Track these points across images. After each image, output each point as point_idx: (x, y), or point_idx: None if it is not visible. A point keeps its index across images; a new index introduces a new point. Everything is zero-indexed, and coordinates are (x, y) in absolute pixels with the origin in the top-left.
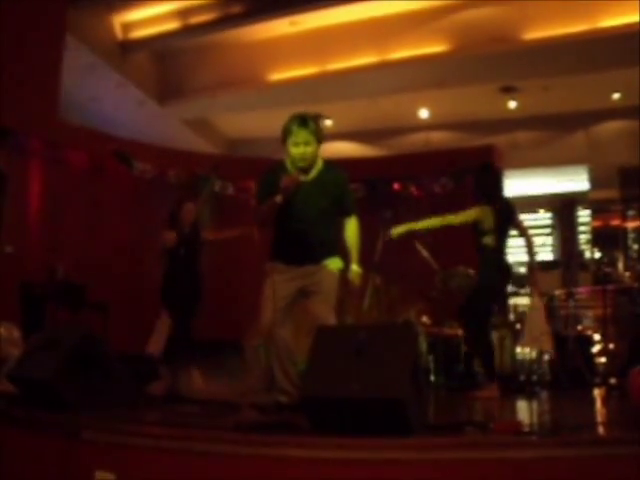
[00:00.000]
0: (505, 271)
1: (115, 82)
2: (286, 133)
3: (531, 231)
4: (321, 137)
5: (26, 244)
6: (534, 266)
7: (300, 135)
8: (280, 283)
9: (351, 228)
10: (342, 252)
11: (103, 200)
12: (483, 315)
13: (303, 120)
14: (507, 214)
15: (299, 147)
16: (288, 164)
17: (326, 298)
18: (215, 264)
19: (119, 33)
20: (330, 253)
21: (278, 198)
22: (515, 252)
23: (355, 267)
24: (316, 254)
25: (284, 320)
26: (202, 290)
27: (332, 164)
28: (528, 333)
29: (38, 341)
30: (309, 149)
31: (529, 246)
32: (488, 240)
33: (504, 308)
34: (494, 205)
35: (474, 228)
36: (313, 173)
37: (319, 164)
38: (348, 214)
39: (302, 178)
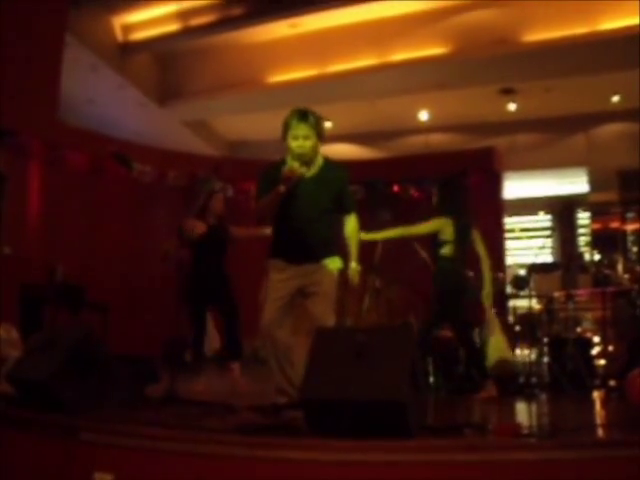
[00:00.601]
0: (461, 282)
1: (115, 84)
2: (286, 127)
3: (531, 233)
4: (321, 132)
5: (25, 245)
6: (491, 286)
7: (299, 128)
8: (279, 282)
9: (351, 226)
10: (342, 250)
11: (103, 201)
12: (458, 321)
13: (303, 114)
14: (467, 230)
15: (298, 140)
16: (289, 160)
17: (325, 299)
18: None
19: (119, 35)
20: (330, 252)
21: (281, 188)
22: (515, 254)
23: (354, 265)
24: (316, 252)
25: (282, 320)
26: (231, 287)
27: (333, 161)
28: (492, 346)
29: (37, 342)
30: (308, 143)
31: (486, 266)
32: (445, 251)
33: (504, 311)
34: (456, 218)
35: (433, 239)
36: (313, 170)
37: (320, 161)
38: (348, 212)
39: (303, 170)
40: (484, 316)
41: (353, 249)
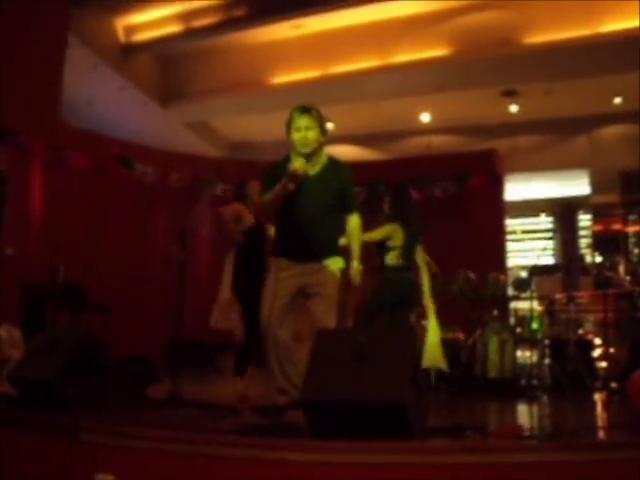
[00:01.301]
0: (406, 289)
1: (117, 84)
2: (289, 121)
3: (533, 235)
4: (324, 127)
5: (27, 246)
6: (430, 298)
7: (301, 120)
8: (281, 281)
9: (353, 225)
10: (343, 250)
11: (105, 202)
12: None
13: (305, 108)
14: (417, 237)
15: (300, 132)
16: (293, 157)
17: (327, 300)
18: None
19: (122, 36)
20: (332, 252)
21: (290, 186)
22: (516, 256)
23: (356, 264)
24: (318, 251)
25: (284, 319)
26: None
27: (337, 160)
28: (427, 353)
29: (39, 343)
30: (310, 134)
31: (425, 279)
32: (392, 258)
33: (505, 312)
34: (406, 225)
35: (381, 245)
36: (318, 167)
37: (324, 159)
38: (350, 211)
39: (307, 167)
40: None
41: (355, 248)
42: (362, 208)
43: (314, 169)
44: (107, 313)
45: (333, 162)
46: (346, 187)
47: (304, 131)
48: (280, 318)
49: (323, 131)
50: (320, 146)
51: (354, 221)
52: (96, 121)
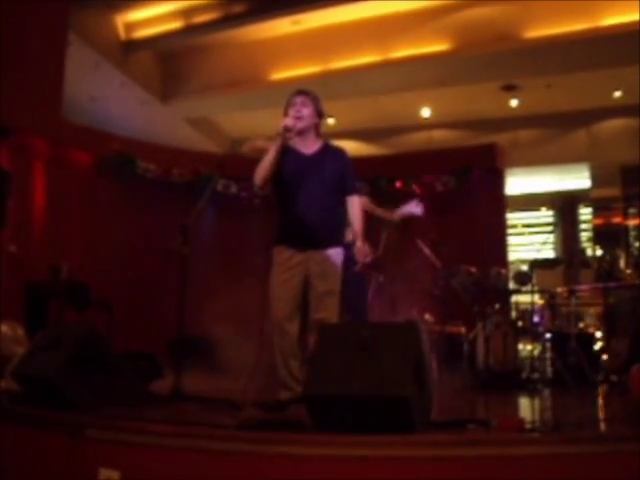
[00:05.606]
0: None
1: (118, 81)
2: (287, 103)
3: (533, 229)
4: (320, 109)
5: (30, 243)
6: None
7: (298, 97)
8: (286, 271)
9: (354, 206)
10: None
11: (107, 199)
12: None
13: (303, 89)
14: None
15: (296, 106)
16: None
17: (329, 294)
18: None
19: (122, 32)
20: (334, 240)
21: (284, 135)
22: (517, 250)
23: (359, 243)
24: (320, 237)
25: (294, 313)
26: None
27: (333, 144)
28: None
29: (42, 339)
30: (305, 110)
31: None
32: None
33: (506, 306)
34: None
35: None
36: (314, 149)
37: (320, 142)
38: (350, 191)
39: (291, 122)
40: None
41: (357, 228)
42: None
43: (310, 149)
44: (110, 310)
45: (329, 145)
46: (344, 168)
47: (299, 106)
48: (289, 311)
49: (318, 113)
50: (315, 129)
51: (355, 202)
52: (98, 118)
